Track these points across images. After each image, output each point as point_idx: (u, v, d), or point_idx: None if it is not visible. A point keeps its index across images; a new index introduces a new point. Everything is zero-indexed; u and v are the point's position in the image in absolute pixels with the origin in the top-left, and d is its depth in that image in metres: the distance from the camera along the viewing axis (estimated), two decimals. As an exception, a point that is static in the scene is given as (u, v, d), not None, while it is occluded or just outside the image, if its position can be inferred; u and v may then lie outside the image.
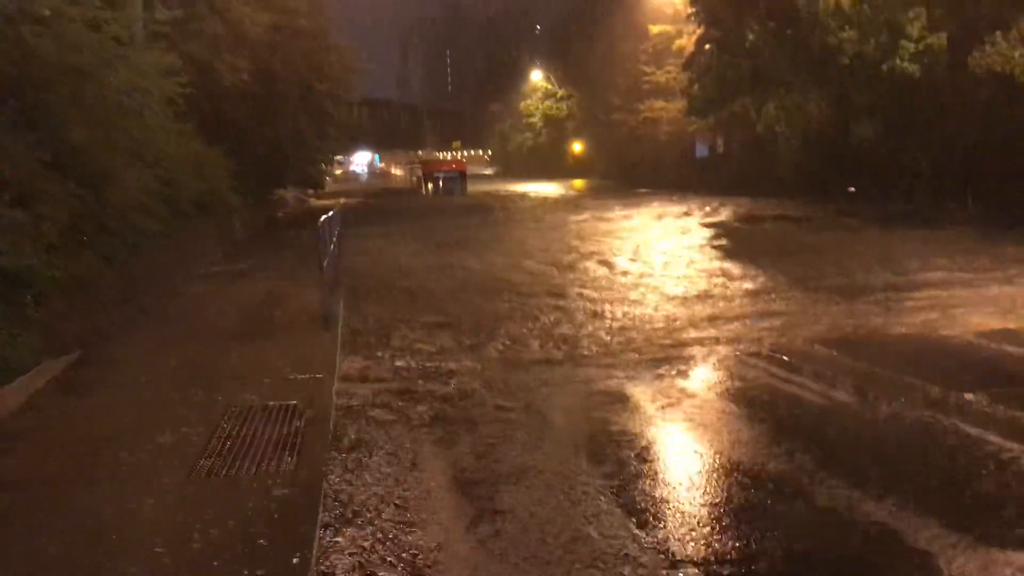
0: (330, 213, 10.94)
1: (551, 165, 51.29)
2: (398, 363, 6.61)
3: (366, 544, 3.47)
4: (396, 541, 3.52)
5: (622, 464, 4.36)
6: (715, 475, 4.17)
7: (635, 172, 37.19)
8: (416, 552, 3.42)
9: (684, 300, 8.80)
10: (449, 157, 60.46)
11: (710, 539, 3.47)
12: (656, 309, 8.36)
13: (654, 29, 35.13)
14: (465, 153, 72.06)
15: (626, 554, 3.36)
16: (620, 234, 15.87)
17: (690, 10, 28.26)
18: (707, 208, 21.70)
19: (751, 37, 23.84)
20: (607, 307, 8.53)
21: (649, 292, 9.35)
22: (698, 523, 3.63)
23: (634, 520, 3.68)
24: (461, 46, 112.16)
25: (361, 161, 78.72)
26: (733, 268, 10.87)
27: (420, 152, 69.55)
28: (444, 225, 20.08)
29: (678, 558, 3.33)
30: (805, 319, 7.63)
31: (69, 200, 7.03)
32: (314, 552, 3.31)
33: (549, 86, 53.47)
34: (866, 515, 3.65)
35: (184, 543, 3.38)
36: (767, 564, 3.28)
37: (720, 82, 25.99)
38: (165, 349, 6.85)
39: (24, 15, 7.15)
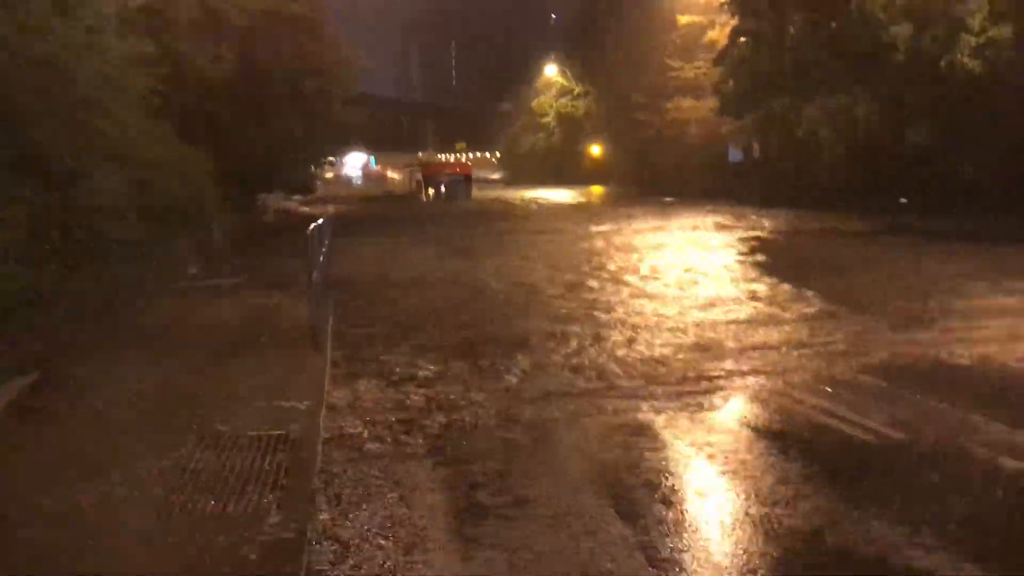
0: (320, 221, 11.04)
1: (566, 170, 51.47)
2: (395, 390, 6.66)
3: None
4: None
5: (645, 508, 4.36)
6: (749, 523, 4.17)
7: (661, 178, 37.28)
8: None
9: (720, 324, 8.86)
10: (452, 159, 60.73)
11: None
12: (689, 334, 8.43)
13: (682, 19, 35.28)
14: (470, 156, 72.35)
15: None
16: (647, 249, 15.93)
17: (723, -2, 28.48)
18: (744, 220, 21.77)
19: (791, 30, 23.94)
20: (634, 332, 8.61)
21: (682, 315, 9.40)
22: (730, 577, 3.60)
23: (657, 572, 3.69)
24: (467, 39, 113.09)
25: (355, 163, 79.22)
26: (775, 289, 10.93)
27: (420, 154, 69.95)
28: (446, 235, 20.14)
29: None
30: (855, 347, 7.63)
31: (32, 204, 7.08)
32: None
33: (565, 82, 53.77)
34: (920, 572, 3.63)
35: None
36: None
37: (756, 79, 26.08)
38: (136, 370, 6.88)
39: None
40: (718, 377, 6.83)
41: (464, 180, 39.23)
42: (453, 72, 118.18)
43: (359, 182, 72.67)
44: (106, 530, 3.98)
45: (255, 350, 7.61)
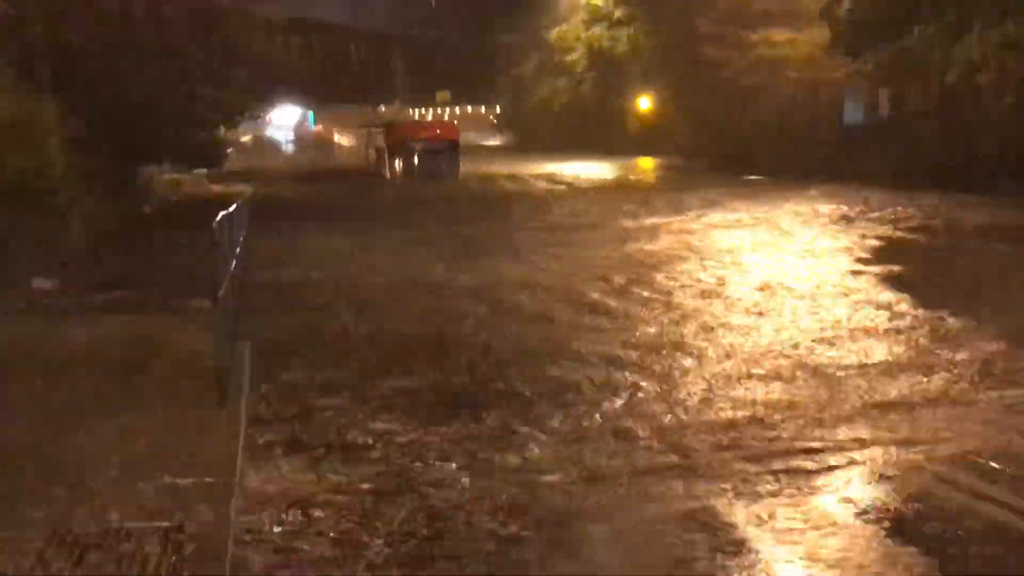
0: (233, 207, 11.14)
1: (600, 132, 51.73)
2: (342, 461, 6.71)
3: None
4: None
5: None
6: None
7: (741, 146, 37.32)
8: None
9: (832, 370, 8.91)
10: (431, 118, 60.79)
11: None
12: (788, 384, 8.48)
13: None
14: (458, 112, 72.49)
15: None
16: (723, 254, 15.97)
17: None
18: (866, 209, 21.85)
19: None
20: (708, 381, 8.65)
21: (777, 356, 9.48)
22: None
23: None
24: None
25: (285, 121, 79.41)
26: (912, 316, 11.07)
27: (383, 108, 70.06)
28: (421, 231, 20.20)
29: None
30: (1028, 404, 7.74)
31: None
32: None
33: (599, 2, 53.92)
34: None
35: None
36: None
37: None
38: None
39: None
40: (830, 448, 6.90)
41: (448, 148, 39.60)
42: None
43: (291, 149, 72.86)
44: None
45: (136, 401, 7.62)
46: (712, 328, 10.75)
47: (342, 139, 69.08)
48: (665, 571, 5.16)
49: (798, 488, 6.16)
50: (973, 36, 23.21)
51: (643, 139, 48.53)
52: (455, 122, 51.80)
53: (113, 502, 5.66)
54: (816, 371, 8.88)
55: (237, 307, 10.44)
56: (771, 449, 6.89)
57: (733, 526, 5.60)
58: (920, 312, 11.24)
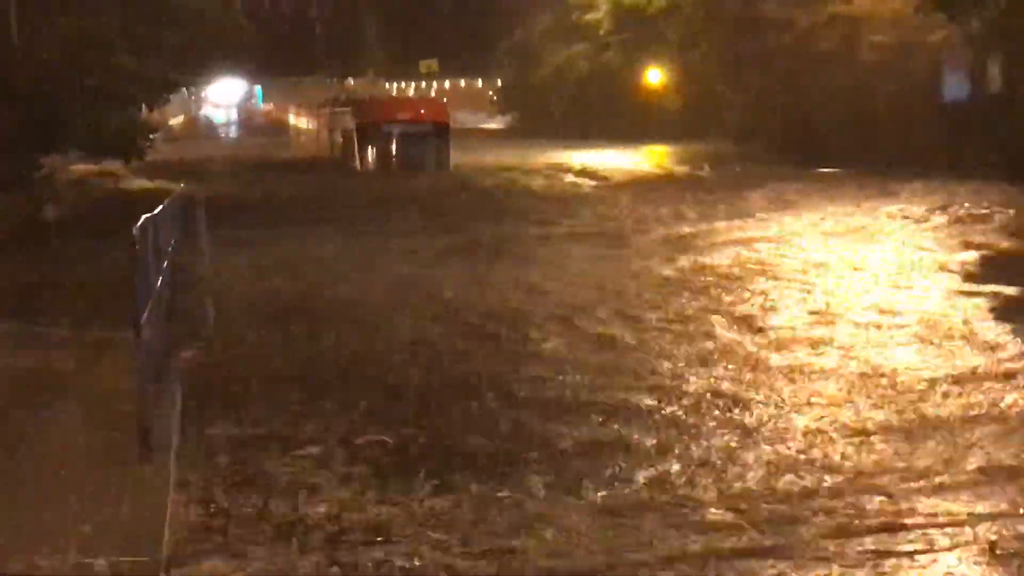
0: (159, 209, 11.51)
1: (626, 113, 52.03)
2: (302, 546, 6.60)
3: None
4: None
5: None
6: None
7: (810, 130, 37.42)
8: None
9: (937, 424, 8.94)
10: (413, 94, 60.70)
11: None
12: (880, 443, 8.48)
13: None
14: (447, 86, 72.40)
15: None
16: (792, 272, 16.13)
17: None
18: (975, 211, 21.82)
19: None
20: (780, 436, 8.73)
21: (862, 408, 9.45)
22: None
23: None
24: None
25: (225, 99, 79.68)
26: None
27: (351, 82, 70.06)
28: (403, 240, 20.37)
29: None
30: None
31: None
32: None
33: (628, -55, 54.03)
34: None
35: None
36: None
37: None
38: None
39: None
40: (937, 523, 6.88)
41: (434, 133, 39.93)
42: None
43: (233, 134, 72.95)
44: None
45: (37, 454, 7.65)
46: (777, 370, 10.88)
47: (299, 121, 68.95)
48: None
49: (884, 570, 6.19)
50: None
51: (683, 119, 48.66)
52: (444, 99, 51.82)
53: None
54: (908, 426, 8.94)
55: (165, 338, 10.51)
56: (856, 525, 6.91)
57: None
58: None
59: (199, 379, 10.20)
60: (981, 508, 7.09)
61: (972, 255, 17.07)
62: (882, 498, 7.30)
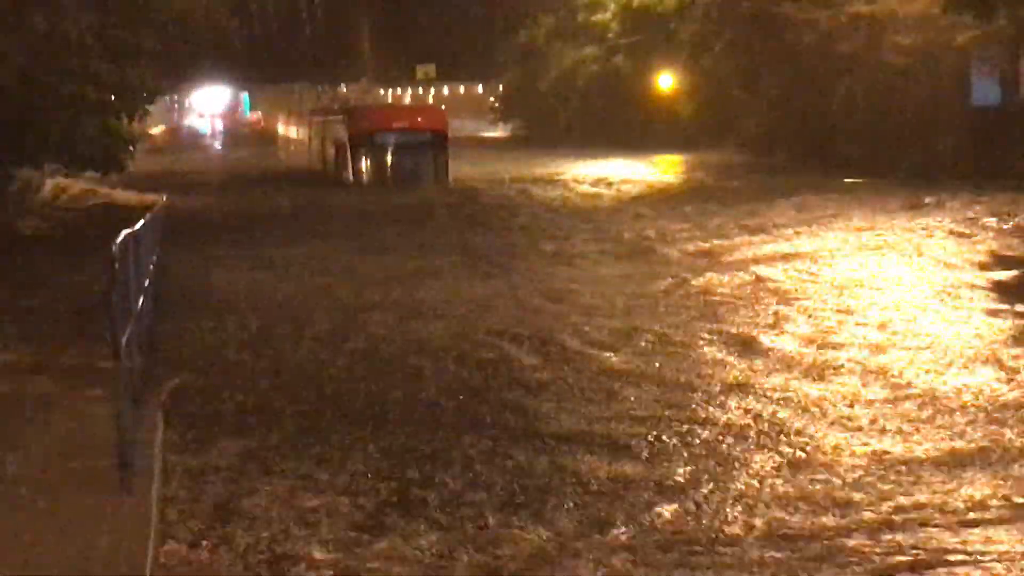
0: (139, 225, 11.44)
1: (636, 120, 52.31)
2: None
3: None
4: None
5: None
6: None
7: (832, 138, 37.62)
8: None
9: (978, 480, 8.74)
10: (409, 101, 60.66)
11: None
12: (921, 504, 8.27)
13: None
14: (446, 93, 72.67)
15: None
16: (817, 297, 16.03)
17: None
18: (1012, 227, 21.80)
19: None
20: (803, 490, 8.54)
21: (901, 466, 9.23)
22: None
23: None
24: None
25: (209, 107, 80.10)
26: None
27: (344, 89, 70.32)
28: (398, 261, 20.35)
29: None
30: None
31: None
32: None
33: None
34: None
35: None
36: None
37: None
38: None
39: None
40: (966, 561, 6.97)
41: (433, 143, 39.96)
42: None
43: (218, 144, 73.30)
44: None
45: (12, 488, 7.78)
46: (807, 414, 10.64)
47: (288, 131, 69.77)
48: None
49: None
50: None
51: (696, 127, 49.38)
52: (442, 107, 51.77)
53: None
54: (953, 485, 8.60)
55: (149, 356, 10.61)
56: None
57: None
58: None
59: (185, 403, 10.42)
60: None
61: (1009, 273, 17.26)
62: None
